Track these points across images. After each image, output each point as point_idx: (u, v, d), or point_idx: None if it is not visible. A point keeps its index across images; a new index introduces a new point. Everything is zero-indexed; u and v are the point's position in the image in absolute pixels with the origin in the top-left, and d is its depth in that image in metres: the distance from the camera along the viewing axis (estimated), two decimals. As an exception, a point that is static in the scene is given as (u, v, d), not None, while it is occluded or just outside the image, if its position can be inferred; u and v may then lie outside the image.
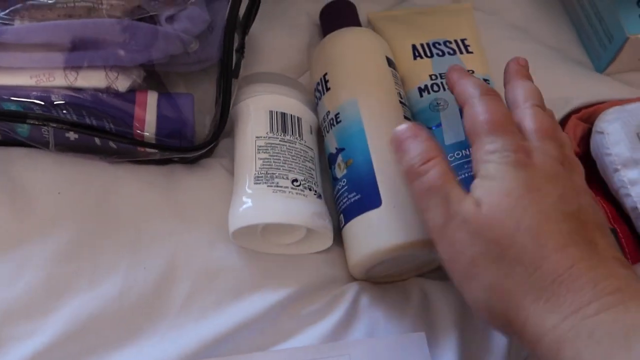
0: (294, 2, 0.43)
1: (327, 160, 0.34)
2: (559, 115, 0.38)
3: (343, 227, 0.32)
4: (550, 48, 0.44)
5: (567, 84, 0.41)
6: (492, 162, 0.25)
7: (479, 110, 0.27)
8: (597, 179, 0.35)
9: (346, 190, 0.32)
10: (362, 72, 0.35)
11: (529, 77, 0.31)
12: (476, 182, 0.26)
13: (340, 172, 0.32)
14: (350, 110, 0.33)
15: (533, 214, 0.24)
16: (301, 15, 0.43)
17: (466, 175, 0.33)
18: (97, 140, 0.33)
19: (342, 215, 0.32)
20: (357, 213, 0.30)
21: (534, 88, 0.30)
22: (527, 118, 0.28)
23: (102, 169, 0.33)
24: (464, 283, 0.25)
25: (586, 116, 0.38)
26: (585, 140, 0.37)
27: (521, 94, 0.29)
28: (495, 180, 0.25)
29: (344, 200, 0.32)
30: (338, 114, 0.34)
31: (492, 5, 0.45)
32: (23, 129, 0.33)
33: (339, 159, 0.32)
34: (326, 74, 0.35)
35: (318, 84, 0.36)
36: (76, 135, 0.33)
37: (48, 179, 0.32)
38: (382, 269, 0.31)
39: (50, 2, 0.31)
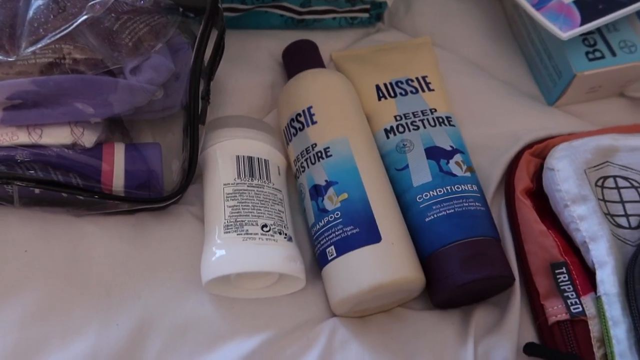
0: (256, 42, 0.44)
1: (307, 191, 0.35)
2: (511, 149, 0.40)
3: (333, 259, 0.32)
4: (504, 82, 0.46)
5: (520, 117, 0.43)
6: None
7: None
8: (550, 212, 0.38)
9: (340, 223, 0.33)
10: (349, 112, 0.37)
11: None
12: None
13: (331, 204, 0.33)
14: (341, 147, 0.35)
15: None
16: (263, 54, 0.44)
17: (434, 216, 0.34)
18: (63, 193, 0.33)
19: (332, 247, 0.32)
20: (356, 246, 0.32)
21: None
22: None
23: (70, 223, 0.33)
24: None
25: (538, 151, 0.40)
26: (538, 175, 0.39)
27: None
28: None
29: (338, 233, 0.32)
30: (328, 148, 0.35)
31: (448, 40, 0.47)
32: (-16, 185, 0.32)
33: (330, 191, 0.33)
34: (311, 107, 0.36)
35: (299, 115, 0.37)
36: (39, 190, 0.33)
37: (12, 236, 0.32)
38: (368, 303, 0.32)
39: (10, 59, 0.30)
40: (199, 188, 0.37)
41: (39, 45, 0.31)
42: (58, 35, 0.31)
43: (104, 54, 0.33)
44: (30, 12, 0.31)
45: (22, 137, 0.30)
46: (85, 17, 0.31)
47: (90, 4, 0.32)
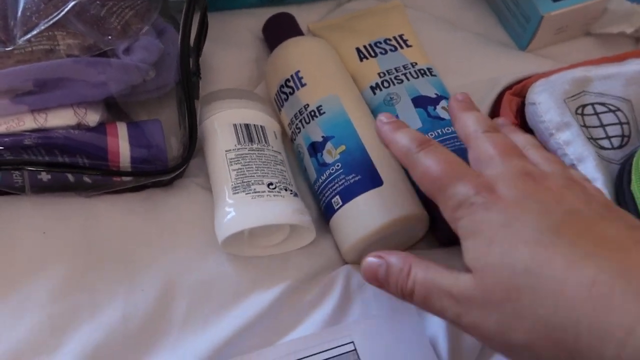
0: (234, 21, 0.45)
1: (305, 149, 0.36)
2: (492, 93, 0.42)
3: (339, 207, 0.34)
4: (476, 34, 0.48)
5: (496, 64, 0.45)
6: (462, 218, 0.24)
7: (423, 168, 0.26)
8: (537, 143, 0.40)
9: (342, 173, 0.34)
10: (335, 72, 0.39)
11: (471, 108, 0.30)
12: (462, 246, 0.24)
13: (331, 157, 0.35)
14: (333, 103, 0.36)
15: (521, 250, 0.22)
16: (244, 32, 0.45)
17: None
18: (70, 177, 0.34)
19: (337, 196, 0.34)
20: (360, 192, 0.33)
21: (479, 116, 0.29)
22: (482, 147, 0.26)
23: (81, 204, 0.34)
24: (508, 355, 0.23)
25: (517, 91, 0.42)
26: (520, 112, 0.41)
27: (468, 126, 0.28)
28: (473, 237, 0.23)
29: (341, 182, 0.34)
30: (320, 106, 0.36)
31: (419, 1, 0.49)
32: (-7, 177, 0.33)
33: (328, 145, 0.35)
34: (299, 71, 0.38)
35: (288, 80, 0.38)
36: (49, 176, 0.34)
37: (30, 222, 0.33)
38: (378, 246, 0.34)
39: (8, 49, 0.31)
40: (199, 161, 0.38)
41: (33, 33, 0.32)
42: (50, 22, 0.32)
43: (95, 37, 0.34)
44: (22, 2, 0.32)
45: (28, 122, 0.31)
46: (74, 2, 0.32)
47: (77, -10, 0.33)
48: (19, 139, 0.31)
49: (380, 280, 0.27)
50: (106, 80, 0.33)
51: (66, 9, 0.32)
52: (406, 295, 0.26)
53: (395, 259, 0.27)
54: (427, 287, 0.25)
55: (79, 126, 0.33)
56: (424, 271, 0.25)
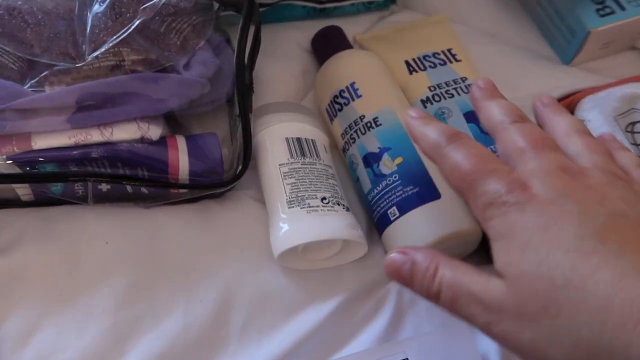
0: (284, 35, 0.46)
1: (360, 160, 0.37)
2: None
3: (396, 219, 0.34)
4: (520, 48, 0.48)
5: (540, 79, 0.46)
6: (493, 218, 0.22)
7: (452, 162, 0.25)
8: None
9: (400, 185, 0.35)
10: (389, 85, 0.39)
11: (496, 96, 0.28)
12: (492, 245, 0.23)
13: (388, 169, 0.35)
14: (389, 116, 0.37)
15: (560, 259, 0.20)
16: (291, 45, 0.46)
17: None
18: (129, 188, 0.35)
19: (394, 207, 0.34)
20: (418, 204, 0.34)
21: (505, 104, 0.27)
22: (511, 140, 0.25)
23: (141, 214, 0.35)
24: None
25: (565, 106, 0.42)
26: (568, 127, 0.41)
27: (493, 116, 0.26)
28: (505, 240, 0.22)
29: (398, 194, 0.34)
30: (377, 117, 0.37)
31: (459, 15, 0.49)
32: (57, 187, 0.34)
33: (385, 157, 0.36)
34: (354, 82, 0.39)
35: (342, 91, 0.39)
36: (108, 186, 0.35)
37: (93, 231, 0.34)
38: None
39: (77, 65, 0.32)
40: (249, 173, 0.39)
41: (102, 50, 0.33)
42: (117, 39, 0.33)
43: (157, 53, 0.35)
44: (90, 20, 0.33)
45: (95, 135, 0.32)
46: (140, 19, 0.33)
47: (142, 7, 0.34)
48: (87, 152, 0.32)
49: (404, 278, 0.26)
50: (169, 95, 0.34)
51: (132, 26, 0.33)
52: (432, 296, 0.24)
53: (421, 257, 0.25)
54: (455, 290, 0.23)
55: (142, 140, 0.34)
56: (452, 272, 0.24)
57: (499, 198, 0.22)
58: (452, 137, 0.26)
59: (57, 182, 0.33)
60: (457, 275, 0.24)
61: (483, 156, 0.24)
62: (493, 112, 0.27)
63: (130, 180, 0.33)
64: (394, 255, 0.26)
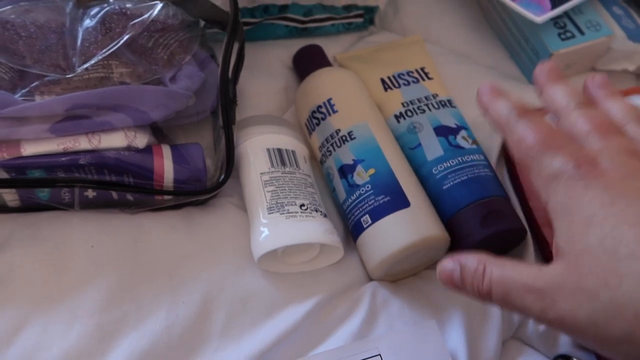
0: (267, 52, 0.48)
1: (336, 171, 0.39)
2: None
3: (368, 226, 0.36)
4: (489, 67, 0.51)
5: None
6: (557, 189, 0.22)
7: (521, 133, 0.25)
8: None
9: (372, 194, 0.37)
10: (364, 101, 0.42)
11: (560, 79, 0.29)
12: (552, 223, 0.23)
13: (361, 179, 0.37)
14: (363, 130, 0.39)
15: (626, 232, 0.20)
16: (274, 62, 0.48)
17: (451, 184, 0.39)
18: (114, 194, 0.36)
19: (367, 215, 0.36)
20: (388, 212, 0.36)
21: (569, 89, 0.28)
22: (576, 122, 0.25)
23: (126, 219, 0.36)
24: (602, 349, 0.21)
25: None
26: (532, 141, 0.44)
27: (558, 100, 0.27)
28: (568, 215, 0.22)
29: (370, 202, 0.36)
30: (351, 132, 0.39)
31: (433, 36, 0.52)
32: (44, 193, 0.36)
33: (359, 168, 0.38)
34: (331, 99, 0.41)
35: (320, 107, 0.41)
36: (94, 193, 0.36)
37: (79, 235, 0.35)
38: (402, 264, 0.36)
39: (67, 76, 0.34)
40: (232, 182, 0.41)
41: (92, 62, 0.34)
42: (107, 53, 0.35)
43: (144, 67, 0.37)
44: (81, 34, 0.35)
45: (83, 143, 0.34)
46: (129, 34, 0.35)
47: (131, 23, 0.36)
48: (75, 159, 0.34)
49: (456, 284, 0.26)
50: (155, 106, 0.35)
51: (122, 41, 0.35)
52: (484, 295, 0.24)
53: (469, 260, 0.25)
54: (505, 284, 0.23)
55: (128, 148, 0.35)
56: (500, 268, 0.24)
57: (565, 172, 0.23)
58: (522, 112, 0.26)
59: (45, 188, 0.34)
60: (505, 270, 0.24)
61: (552, 131, 0.25)
62: (557, 95, 0.27)
63: (117, 187, 0.35)
64: (443, 264, 0.27)
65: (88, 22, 0.35)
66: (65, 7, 0.36)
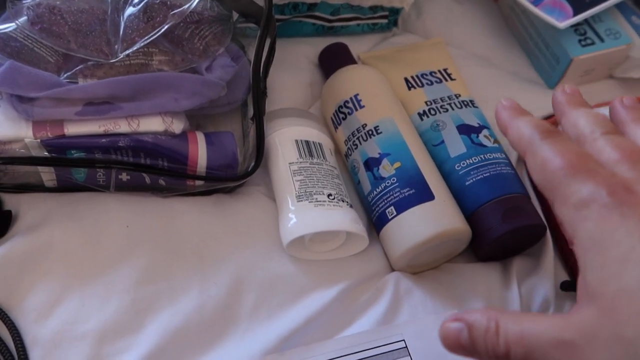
0: (294, 48, 0.50)
1: (361, 164, 0.40)
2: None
3: (393, 217, 0.37)
4: (509, 72, 0.53)
5: (527, 100, 0.49)
6: (588, 219, 0.20)
7: (546, 156, 0.22)
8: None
9: (398, 187, 0.38)
10: (389, 97, 0.43)
11: (584, 104, 0.26)
12: (579, 258, 0.20)
13: (387, 172, 0.38)
14: (389, 125, 0.40)
15: None
16: (301, 58, 0.50)
17: (473, 180, 0.40)
18: (147, 179, 0.38)
19: (392, 207, 0.37)
20: (413, 204, 0.37)
21: (594, 114, 0.25)
22: (603, 150, 0.23)
23: (160, 203, 0.38)
24: None
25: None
26: (552, 143, 0.45)
27: (583, 126, 0.24)
28: (600, 249, 0.19)
29: (396, 195, 0.38)
30: (377, 126, 0.40)
31: (455, 39, 0.54)
32: (80, 174, 0.37)
33: (385, 162, 0.39)
34: (357, 94, 0.42)
35: (347, 102, 0.42)
36: (128, 176, 0.37)
37: (114, 215, 0.36)
38: (424, 256, 0.37)
39: (111, 61, 0.35)
40: (260, 172, 0.42)
41: (133, 49, 0.36)
42: (148, 40, 0.36)
43: (182, 55, 0.38)
44: (124, 21, 0.36)
45: (123, 126, 0.35)
46: (169, 24, 0.36)
47: (171, 13, 0.37)
48: (114, 140, 0.35)
49: (465, 347, 0.23)
50: (192, 93, 0.37)
51: (162, 29, 0.36)
52: (501, 358, 0.21)
53: (477, 317, 0.22)
54: (526, 342, 0.20)
55: (165, 133, 0.36)
56: (517, 324, 0.21)
57: (598, 199, 0.20)
58: (547, 132, 0.24)
59: (84, 168, 0.35)
60: (523, 325, 0.21)
61: (581, 154, 0.22)
62: (580, 122, 0.25)
63: (153, 170, 0.36)
64: (447, 325, 0.23)
65: (131, 10, 0.36)
66: (107, -5, 0.38)
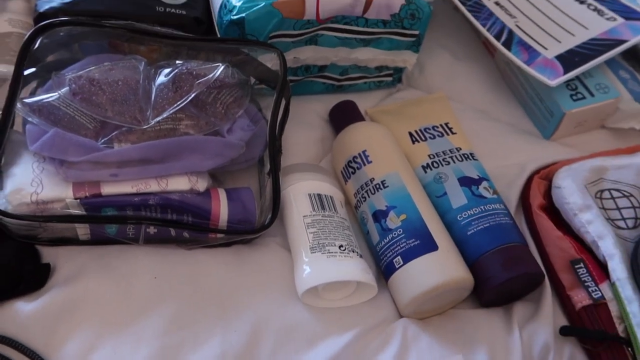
0: (306, 105, 0.54)
1: (370, 216, 0.43)
2: (522, 176, 0.49)
3: (400, 267, 0.40)
4: (507, 124, 0.56)
5: (524, 151, 0.53)
6: None
7: None
8: (562, 222, 0.46)
9: (404, 238, 0.41)
10: (395, 153, 0.46)
11: None
12: None
13: (393, 224, 0.42)
14: (395, 179, 0.44)
15: None
16: (312, 115, 0.54)
17: (474, 230, 0.43)
18: (172, 232, 0.41)
19: (399, 257, 0.40)
20: (419, 254, 0.40)
21: None
22: None
23: (184, 255, 0.41)
24: None
25: (544, 175, 0.50)
26: (547, 194, 0.48)
27: None
28: None
29: (402, 245, 0.41)
30: (384, 180, 0.44)
31: (456, 94, 0.58)
32: (112, 229, 0.40)
33: (391, 214, 0.42)
34: (365, 150, 0.45)
35: (355, 157, 0.46)
36: (155, 230, 0.41)
37: (143, 266, 0.39)
38: (430, 303, 0.40)
39: (143, 127, 0.39)
40: (276, 224, 0.45)
41: (163, 116, 0.40)
42: (176, 108, 0.40)
43: (206, 119, 0.42)
44: (154, 91, 0.40)
45: (153, 186, 0.39)
46: (195, 92, 0.40)
47: (197, 82, 0.41)
48: (145, 199, 0.38)
49: None
50: (215, 154, 0.40)
51: (189, 98, 0.40)
52: None
53: None
54: None
55: (191, 191, 0.40)
56: None
57: None
58: None
59: (117, 224, 0.38)
60: None
61: None
62: None
63: (180, 225, 0.39)
64: None
65: (161, 80, 0.40)
66: (139, 66, 0.42)
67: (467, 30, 0.62)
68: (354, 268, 0.40)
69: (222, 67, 0.42)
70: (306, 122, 0.53)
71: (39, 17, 0.44)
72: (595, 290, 0.42)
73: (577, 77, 0.54)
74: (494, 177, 0.49)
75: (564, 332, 0.41)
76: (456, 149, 0.49)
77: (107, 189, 0.38)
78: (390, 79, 0.56)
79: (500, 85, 0.59)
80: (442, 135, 0.50)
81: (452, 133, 0.50)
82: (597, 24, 0.55)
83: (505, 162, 0.52)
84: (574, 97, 0.53)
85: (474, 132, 0.53)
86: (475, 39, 0.62)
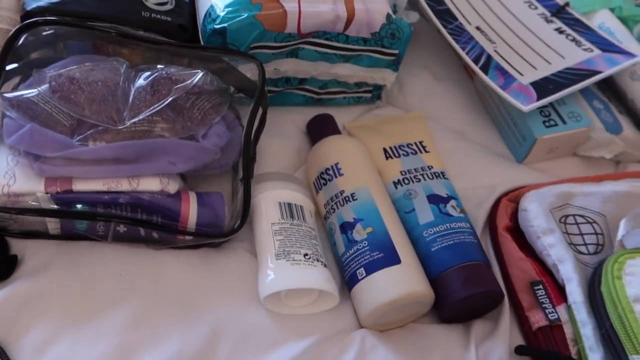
0: (285, 116, 0.55)
1: (337, 227, 0.44)
2: (491, 197, 0.51)
3: (363, 278, 0.41)
4: (481, 145, 0.58)
5: (496, 173, 0.54)
6: None
7: None
8: (525, 244, 0.47)
9: (368, 250, 0.42)
10: (367, 166, 0.47)
11: None
12: None
13: (359, 236, 0.43)
14: (364, 193, 0.45)
15: None
16: (290, 126, 0.55)
17: (438, 247, 0.44)
18: (142, 231, 0.42)
19: (362, 268, 0.41)
20: (381, 267, 0.41)
21: None
22: None
23: (151, 254, 0.42)
24: None
25: (512, 197, 0.51)
26: (514, 216, 0.49)
27: None
28: None
29: (366, 257, 0.41)
30: (354, 193, 0.45)
31: (433, 113, 0.59)
32: (82, 225, 0.41)
33: (358, 226, 0.43)
34: (338, 163, 0.47)
35: (328, 169, 0.47)
36: (125, 228, 0.41)
37: (109, 264, 0.40)
38: (390, 315, 0.41)
39: (118, 127, 0.40)
40: (245, 229, 0.46)
41: (139, 118, 0.41)
42: (153, 111, 0.41)
43: (182, 124, 0.43)
44: (132, 93, 0.41)
45: (124, 184, 0.39)
46: (173, 97, 0.42)
47: (175, 87, 0.42)
48: (115, 197, 0.39)
49: None
50: (188, 158, 0.41)
51: (166, 102, 0.41)
52: None
53: None
54: None
55: (161, 192, 0.41)
56: None
57: None
58: None
59: (87, 220, 0.39)
60: None
61: None
62: None
63: (148, 225, 0.40)
64: None
65: (140, 83, 0.41)
66: (120, 68, 0.43)
67: (449, 53, 0.63)
68: (317, 277, 0.41)
69: (201, 74, 0.43)
70: (284, 133, 0.54)
71: (26, 15, 0.46)
72: (552, 312, 0.43)
73: (551, 104, 0.55)
74: (464, 197, 0.50)
75: (519, 351, 0.42)
76: (428, 167, 0.50)
77: (79, 186, 0.39)
78: (369, 95, 0.57)
79: (477, 108, 0.60)
80: (416, 153, 0.51)
81: (426, 151, 0.51)
82: (574, 54, 0.57)
83: (477, 183, 0.53)
84: (547, 124, 0.54)
85: (448, 151, 0.55)
86: (457, 61, 0.63)
